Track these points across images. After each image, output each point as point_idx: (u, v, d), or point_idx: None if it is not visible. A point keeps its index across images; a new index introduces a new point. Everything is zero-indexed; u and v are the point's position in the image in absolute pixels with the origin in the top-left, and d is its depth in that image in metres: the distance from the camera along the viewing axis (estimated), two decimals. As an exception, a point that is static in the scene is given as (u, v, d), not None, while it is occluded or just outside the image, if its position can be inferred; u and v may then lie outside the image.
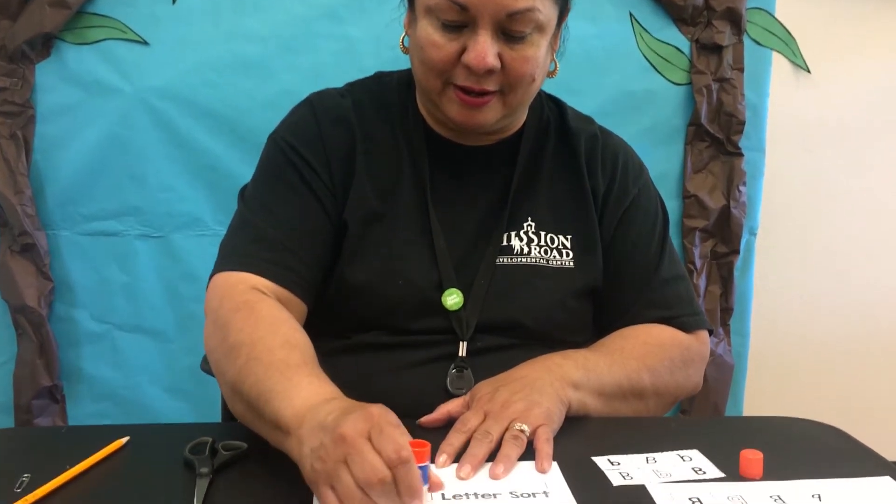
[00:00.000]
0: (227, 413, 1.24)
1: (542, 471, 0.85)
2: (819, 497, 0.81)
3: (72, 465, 0.84)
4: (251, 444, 0.88)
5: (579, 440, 0.94)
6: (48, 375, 1.98)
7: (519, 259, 1.11)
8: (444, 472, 0.85)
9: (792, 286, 2.33)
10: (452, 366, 1.06)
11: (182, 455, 0.86)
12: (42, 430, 1.51)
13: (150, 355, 2.04)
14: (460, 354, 1.06)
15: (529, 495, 0.81)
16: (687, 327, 1.14)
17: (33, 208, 1.92)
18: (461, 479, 0.83)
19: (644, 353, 1.08)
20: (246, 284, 1.00)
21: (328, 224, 1.08)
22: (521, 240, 1.11)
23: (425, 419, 0.96)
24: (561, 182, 1.15)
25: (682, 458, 0.90)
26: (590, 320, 1.17)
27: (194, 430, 0.91)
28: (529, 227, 1.12)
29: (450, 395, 1.04)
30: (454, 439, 0.89)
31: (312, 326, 1.01)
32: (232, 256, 1.04)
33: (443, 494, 0.80)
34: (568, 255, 1.12)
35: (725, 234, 2.13)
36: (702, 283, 2.18)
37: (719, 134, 2.06)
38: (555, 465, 0.87)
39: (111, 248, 1.99)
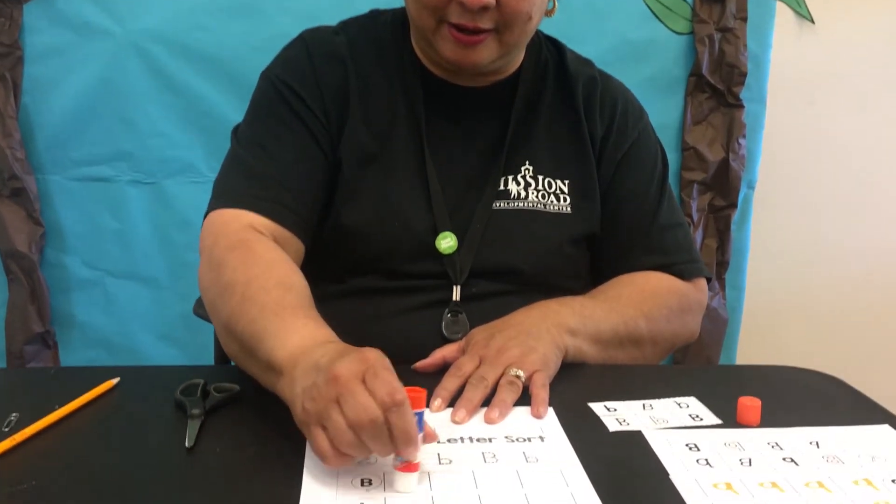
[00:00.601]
0: (219, 357, 1.23)
1: (537, 416, 0.85)
2: (817, 444, 0.80)
3: (61, 406, 0.82)
4: (244, 387, 0.87)
5: (576, 386, 0.93)
6: (40, 321, 1.97)
7: (516, 203, 1.09)
8: (439, 416, 0.84)
9: (789, 241, 2.31)
10: (447, 310, 1.05)
11: (173, 397, 0.85)
12: (31, 370, 1.49)
13: (142, 302, 2.03)
14: (454, 299, 1.05)
15: (525, 440, 0.80)
16: (685, 275, 1.13)
17: (23, 152, 1.89)
18: (456, 423, 0.82)
19: (641, 301, 1.07)
20: (241, 222, 0.98)
21: (323, 161, 1.06)
22: (518, 184, 1.10)
23: (420, 364, 0.95)
24: (559, 126, 1.13)
25: (678, 404, 0.89)
26: (587, 267, 1.16)
27: (186, 373, 0.90)
28: (527, 171, 1.10)
29: (445, 340, 1.03)
30: (449, 384, 0.88)
31: (308, 270, 0.99)
32: (226, 194, 1.02)
33: (438, 439, 0.80)
34: (565, 200, 1.10)
35: (724, 187, 2.11)
36: (698, 236, 2.17)
37: (720, 85, 2.03)
38: (550, 410, 0.86)
39: (102, 194, 1.96)
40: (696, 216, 2.14)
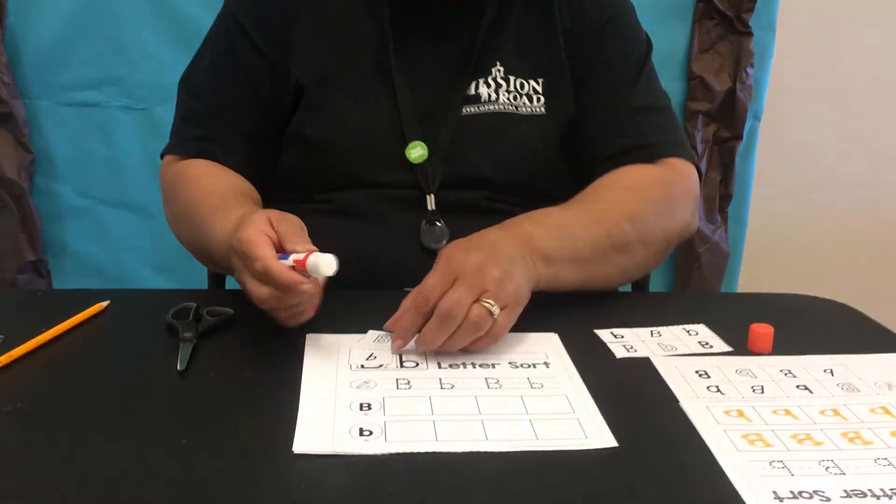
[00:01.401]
0: (213, 283, 1.20)
1: (474, 348, 0.78)
2: (831, 372, 0.77)
3: (48, 328, 0.79)
4: (238, 310, 0.84)
5: (581, 313, 0.90)
6: (32, 250, 1.93)
7: (486, 107, 1.05)
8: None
9: (794, 173, 2.27)
10: (424, 220, 1.02)
11: (164, 321, 0.82)
12: (18, 291, 1.47)
13: (135, 231, 2.00)
14: (430, 209, 1.03)
15: (530, 366, 0.77)
16: (663, 154, 1.05)
17: (10, 76, 1.83)
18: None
19: (622, 200, 0.98)
20: (179, 163, 1.06)
21: (268, 87, 1.05)
22: (488, 86, 1.05)
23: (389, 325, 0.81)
24: (530, 21, 1.07)
25: (687, 332, 0.86)
26: (566, 173, 1.09)
27: (178, 297, 0.87)
28: (498, 73, 1.06)
29: (425, 251, 1.00)
30: (410, 322, 0.78)
31: (288, 190, 1.04)
32: (170, 138, 1.10)
33: (439, 363, 0.77)
34: (539, 100, 1.06)
35: (729, 118, 2.06)
36: (702, 168, 2.13)
37: (729, 12, 1.97)
38: (555, 336, 0.83)
39: (92, 120, 1.92)
40: (700, 148, 2.10)
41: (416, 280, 0.80)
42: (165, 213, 1.08)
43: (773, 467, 0.62)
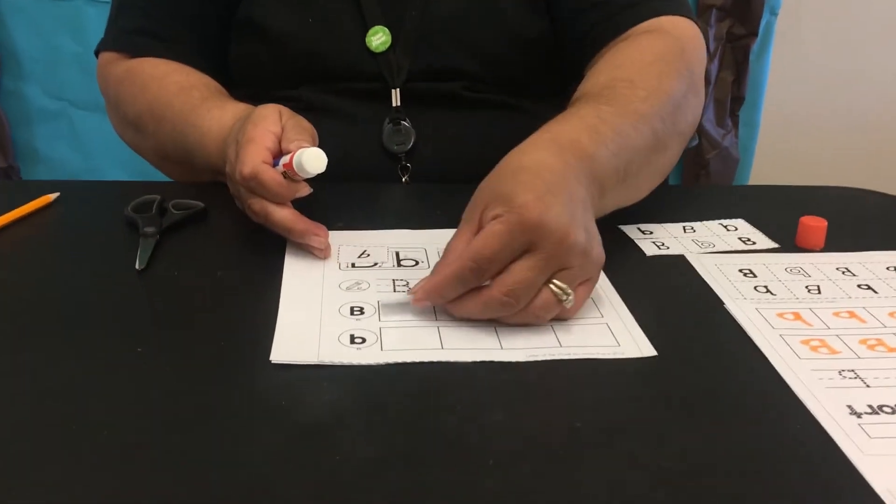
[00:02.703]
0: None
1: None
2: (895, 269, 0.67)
3: (-13, 223, 0.68)
4: (210, 204, 0.73)
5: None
6: (2, 156, 1.81)
7: None
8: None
9: (810, 75, 2.14)
10: (387, 119, 0.89)
11: (123, 214, 0.71)
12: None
13: (110, 136, 1.83)
14: (394, 105, 0.89)
15: (547, 264, 0.66)
16: (659, 10, 0.84)
17: (-33, -36, 1.68)
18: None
19: (657, 85, 0.75)
20: (118, 59, 0.93)
21: None
22: None
23: (418, 295, 0.58)
24: None
25: (725, 227, 0.75)
26: (551, 59, 0.93)
27: (140, 189, 0.76)
28: None
29: (386, 153, 0.88)
30: (448, 290, 0.57)
31: (235, 90, 0.90)
32: (106, 31, 0.96)
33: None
34: None
35: (744, 13, 1.92)
36: (713, 68, 2.00)
37: None
38: (576, 232, 0.72)
39: (59, 14, 1.76)
40: (712, 45, 1.96)
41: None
42: (113, 118, 0.96)
43: (844, 377, 0.52)
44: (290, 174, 0.63)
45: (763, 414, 0.50)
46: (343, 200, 0.78)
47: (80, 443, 0.45)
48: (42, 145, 1.87)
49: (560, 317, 0.58)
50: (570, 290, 0.56)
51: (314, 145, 0.66)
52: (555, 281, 0.56)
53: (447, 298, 0.57)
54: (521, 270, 0.55)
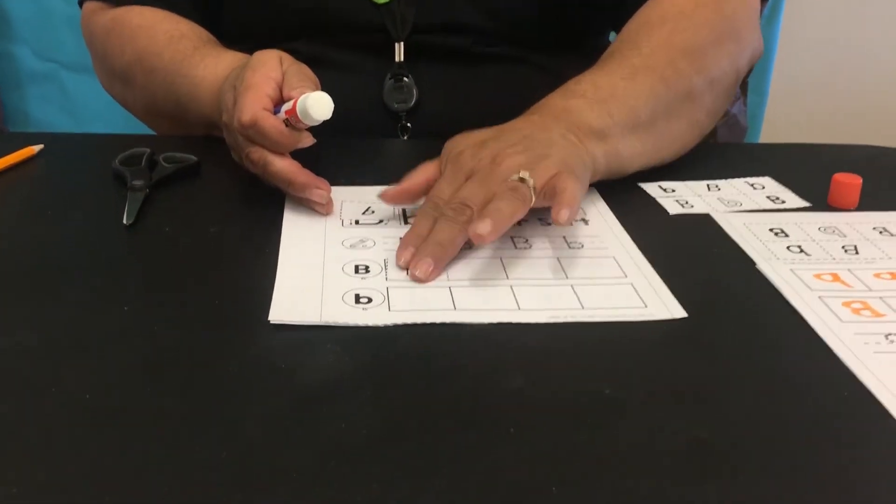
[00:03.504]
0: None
1: (557, 219, 0.54)
2: (936, 230, 0.63)
3: (-35, 176, 0.64)
4: (204, 158, 0.68)
5: (620, 165, 0.75)
6: (-10, 120, 1.76)
7: None
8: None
9: (820, 41, 2.09)
10: (389, 74, 0.84)
11: (111, 168, 0.66)
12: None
13: (103, 100, 1.79)
14: (397, 59, 0.84)
15: (565, 222, 0.62)
16: None
17: (-48, -82, 1.62)
18: (419, 279, 0.54)
19: (668, 34, 0.74)
20: (103, 8, 0.87)
21: None
22: None
23: (389, 193, 0.62)
24: None
25: (751, 185, 0.71)
26: (574, 16, 0.88)
27: (129, 142, 0.71)
28: None
29: (386, 110, 0.83)
30: (422, 226, 0.57)
31: (231, 43, 0.83)
32: None
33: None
34: None
35: (756, -24, 1.87)
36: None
37: None
38: (594, 190, 0.68)
39: (49, -27, 1.71)
40: (722, 11, 1.91)
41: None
42: (99, 72, 0.92)
43: (892, 342, 0.48)
44: (292, 122, 0.59)
45: (806, 379, 0.45)
46: (343, 156, 0.73)
47: (60, 406, 0.41)
48: (32, 108, 1.81)
49: (564, 201, 0.54)
50: (525, 174, 0.57)
51: (311, 86, 0.61)
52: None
53: (424, 235, 0.56)
54: (463, 188, 0.58)
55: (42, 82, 1.80)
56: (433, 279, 0.53)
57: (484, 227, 0.52)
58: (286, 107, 0.59)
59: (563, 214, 0.53)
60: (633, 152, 0.68)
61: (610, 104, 0.67)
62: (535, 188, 0.56)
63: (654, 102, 0.69)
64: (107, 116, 1.81)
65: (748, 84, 2.02)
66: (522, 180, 0.56)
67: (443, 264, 0.54)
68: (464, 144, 0.62)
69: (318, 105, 0.57)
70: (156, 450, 0.38)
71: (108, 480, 0.36)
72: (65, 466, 0.37)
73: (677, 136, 0.73)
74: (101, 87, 1.79)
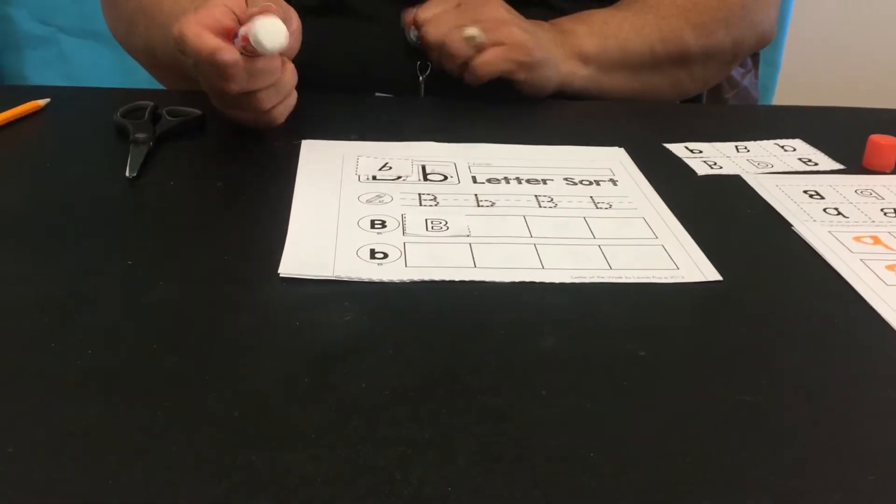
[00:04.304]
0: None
1: (473, 76, 0.71)
2: (979, 194, 0.60)
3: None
4: (209, 112, 0.65)
5: (644, 126, 0.72)
6: (-12, 84, 1.72)
7: None
8: (454, 149, 0.63)
9: (834, 13, 2.05)
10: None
11: (113, 121, 0.63)
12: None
13: (103, 64, 1.77)
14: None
15: (591, 183, 0.59)
16: None
17: None
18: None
19: (686, 5, 0.80)
20: None
21: None
22: None
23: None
24: None
25: (782, 147, 0.68)
26: None
27: (133, 95, 0.68)
28: None
29: (407, 62, 0.78)
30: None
31: None
32: None
33: (474, 177, 0.59)
34: None
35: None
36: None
37: None
38: (622, 151, 0.65)
39: (48, -70, 1.67)
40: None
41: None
42: (107, 15, 0.88)
43: (941, 306, 0.45)
44: (248, 50, 0.54)
45: (854, 345, 0.43)
46: (356, 111, 0.70)
47: (59, 364, 0.38)
48: (30, 72, 1.77)
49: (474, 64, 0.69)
50: (476, 30, 0.69)
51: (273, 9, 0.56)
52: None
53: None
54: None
55: (40, 46, 1.76)
56: None
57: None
58: (242, 30, 0.55)
59: (476, 72, 0.70)
60: (611, 86, 0.78)
61: (608, 40, 0.76)
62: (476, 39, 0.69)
63: (647, 55, 0.78)
64: (106, 81, 1.78)
65: (760, 56, 1.99)
66: (472, 37, 0.69)
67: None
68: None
69: (266, 30, 0.53)
70: (161, 409, 0.35)
71: (109, 441, 0.33)
72: (64, 426, 0.34)
73: (657, 90, 0.80)
74: (100, 51, 1.76)
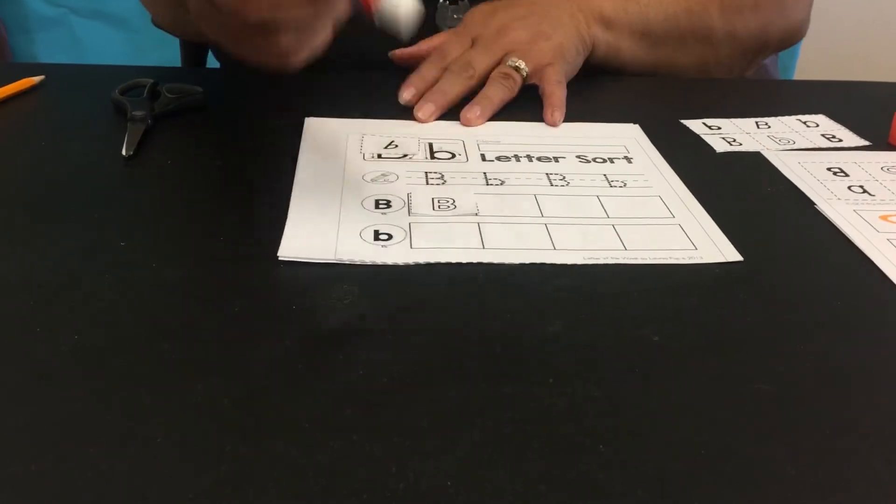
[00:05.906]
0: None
1: (551, 122, 0.63)
2: None
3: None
4: (210, 90, 0.63)
5: (659, 100, 0.69)
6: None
7: None
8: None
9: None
10: None
11: (111, 98, 0.61)
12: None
13: (113, 47, 1.76)
14: None
15: (605, 160, 0.57)
16: None
17: None
18: (420, 120, 0.62)
19: None
20: None
21: None
22: None
23: (399, 53, 0.70)
24: None
25: (804, 123, 0.65)
26: None
27: (133, 73, 0.66)
28: None
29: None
30: (427, 71, 0.66)
31: None
32: None
33: (483, 155, 0.57)
34: None
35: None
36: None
37: None
38: (637, 127, 0.63)
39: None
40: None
41: None
42: None
43: (975, 289, 0.43)
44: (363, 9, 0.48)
45: (881, 330, 0.40)
46: (366, 88, 0.68)
47: (46, 346, 0.36)
48: (41, 53, 1.77)
49: (551, 101, 0.64)
50: (520, 61, 0.65)
51: None
52: (505, 60, 0.66)
53: (427, 80, 0.65)
54: (467, 52, 0.67)
55: (51, 27, 1.75)
56: (432, 121, 0.62)
57: (473, 112, 0.62)
58: None
59: (557, 116, 0.62)
60: (632, 55, 0.75)
61: (629, 4, 0.73)
62: (527, 75, 0.65)
63: (670, 25, 0.75)
64: (116, 61, 1.76)
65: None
66: (517, 69, 0.65)
67: (441, 111, 0.63)
68: (477, 14, 0.70)
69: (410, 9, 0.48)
70: (149, 395, 0.33)
71: (94, 427, 0.32)
72: (48, 411, 0.32)
73: (680, 66, 0.77)
74: (110, 32, 1.75)
